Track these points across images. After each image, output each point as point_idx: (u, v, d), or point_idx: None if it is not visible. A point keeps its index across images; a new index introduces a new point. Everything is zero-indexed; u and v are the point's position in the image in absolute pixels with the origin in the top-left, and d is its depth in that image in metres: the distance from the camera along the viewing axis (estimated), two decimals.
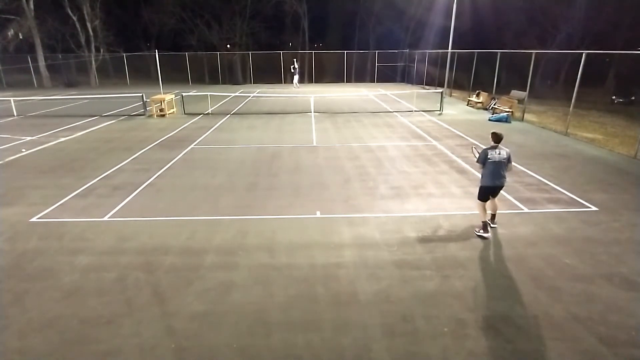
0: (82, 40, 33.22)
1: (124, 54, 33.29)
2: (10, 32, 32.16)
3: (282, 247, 5.72)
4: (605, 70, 25.33)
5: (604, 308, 4.36)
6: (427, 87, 27.24)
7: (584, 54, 12.16)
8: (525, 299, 4.53)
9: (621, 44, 24.59)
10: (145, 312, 4.36)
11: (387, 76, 33.40)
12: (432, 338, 3.95)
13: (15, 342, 3.97)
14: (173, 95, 18.56)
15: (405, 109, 18.34)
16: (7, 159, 10.37)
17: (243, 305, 4.47)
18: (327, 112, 17.51)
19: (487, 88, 19.38)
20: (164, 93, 19.00)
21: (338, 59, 33.76)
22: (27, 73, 31.58)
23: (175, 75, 32.13)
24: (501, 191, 7.67)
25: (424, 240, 5.90)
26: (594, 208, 6.94)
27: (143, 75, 33.89)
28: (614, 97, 21.66)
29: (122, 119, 16.34)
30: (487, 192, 5.99)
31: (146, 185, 8.29)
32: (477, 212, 6.17)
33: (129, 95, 20.45)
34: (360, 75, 34.76)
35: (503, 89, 19.54)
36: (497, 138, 5.93)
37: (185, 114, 17.25)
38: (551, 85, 25.82)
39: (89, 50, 33.73)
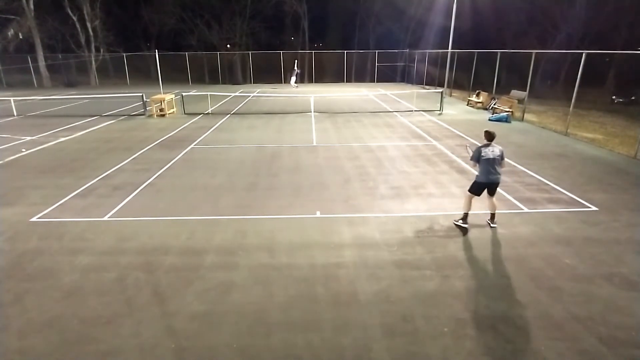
0: (82, 40, 33.23)
1: (124, 54, 33.29)
2: (10, 32, 32.17)
3: (282, 247, 5.72)
4: (605, 70, 25.32)
5: (604, 308, 4.36)
6: (427, 87, 27.25)
7: (584, 54, 12.16)
8: (525, 299, 4.52)
9: (621, 44, 24.59)
10: (145, 312, 4.36)
11: (387, 76, 33.40)
12: (432, 338, 3.95)
13: (15, 342, 3.97)
14: (173, 95, 18.56)
15: (405, 109, 18.34)
16: (7, 159, 10.37)
17: (243, 305, 4.47)
18: (327, 112, 17.51)
19: (487, 88, 19.38)
20: (164, 93, 18.99)
21: (338, 59, 33.77)
22: (27, 73, 31.58)
23: (175, 75, 32.14)
24: (501, 191, 7.70)
25: (424, 240, 5.90)
26: (594, 208, 6.94)
27: (143, 75, 33.90)
28: (614, 97, 21.66)
29: (122, 119, 16.34)
30: (481, 188, 6.10)
31: (146, 185, 8.29)
32: (464, 203, 6.27)
33: (129, 95, 20.46)
34: (360, 75, 34.77)
35: (503, 89, 19.54)
36: (489, 136, 6.09)
37: (185, 113, 17.25)
38: (551, 85, 25.81)
39: (89, 50, 33.74)
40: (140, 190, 8.02)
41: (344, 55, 33.57)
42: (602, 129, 14.20)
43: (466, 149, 6.66)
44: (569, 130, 12.88)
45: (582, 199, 7.34)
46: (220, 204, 7.33)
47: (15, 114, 17.12)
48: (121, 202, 7.38)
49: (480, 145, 6.11)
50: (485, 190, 6.14)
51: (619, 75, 24.22)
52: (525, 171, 8.98)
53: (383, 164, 9.66)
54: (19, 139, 12.58)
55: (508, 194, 7.60)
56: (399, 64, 33.99)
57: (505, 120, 15.15)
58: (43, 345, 3.90)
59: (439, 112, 17.29)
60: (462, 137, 12.39)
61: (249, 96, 23.33)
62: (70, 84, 31.54)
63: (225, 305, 4.49)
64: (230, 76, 34.67)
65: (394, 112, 17.41)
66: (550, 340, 3.90)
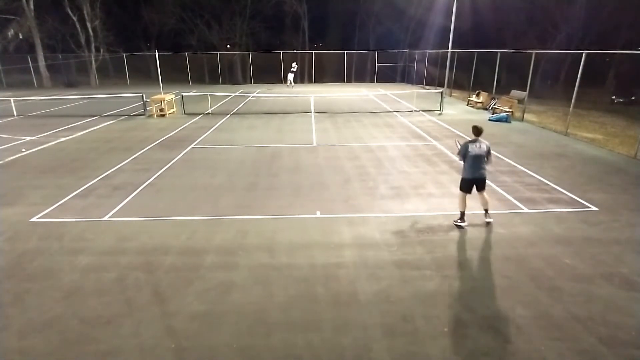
0: (82, 40, 33.23)
1: (124, 54, 33.30)
2: (10, 32, 32.17)
3: (282, 247, 5.72)
4: (605, 70, 25.33)
5: (604, 308, 4.36)
6: (427, 87, 27.25)
7: (584, 54, 12.16)
8: (525, 299, 4.52)
9: (621, 44, 24.60)
10: (145, 312, 4.36)
11: (387, 76, 33.40)
12: (432, 338, 3.95)
13: (15, 342, 3.97)
14: (173, 95, 18.56)
15: (405, 109, 18.34)
16: (7, 159, 10.37)
17: (243, 305, 4.47)
18: (327, 112, 17.51)
19: (487, 88, 19.38)
20: (164, 93, 19.00)
21: (338, 59, 33.77)
22: (27, 73, 31.58)
23: (175, 75, 32.14)
24: (501, 191, 7.70)
25: (424, 240, 5.90)
26: (594, 208, 6.94)
27: (143, 75, 33.90)
28: (614, 97, 21.67)
29: (122, 119, 16.34)
30: (469, 184, 6.17)
31: (146, 185, 8.29)
32: (458, 202, 6.33)
33: (129, 95, 20.46)
34: (360, 75, 34.77)
35: (503, 89, 19.54)
36: (477, 131, 6.15)
37: (185, 114, 17.25)
38: (551, 85, 25.82)
39: (89, 50, 33.74)
40: (140, 190, 8.02)
41: (344, 55, 33.57)
42: (602, 129, 14.20)
43: (455, 143, 6.73)
44: (569, 130, 12.88)
45: (582, 199, 7.34)
46: (220, 204, 7.33)
47: (15, 114, 17.13)
48: (121, 202, 7.38)
49: (467, 140, 6.16)
50: (475, 187, 6.18)
51: (619, 75, 24.23)
52: (525, 171, 8.98)
53: (383, 164, 9.66)
54: (19, 139, 12.58)
55: (508, 194, 7.60)
56: (399, 64, 33.99)
57: (505, 120, 15.15)
58: (43, 345, 3.90)
59: (439, 112, 17.29)
60: (462, 137, 12.39)
61: (249, 96, 23.33)
62: (70, 84, 31.54)
63: (225, 305, 4.49)
64: (230, 76, 34.67)
65: (394, 112, 17.42)
66: (550, 340, 3.90)
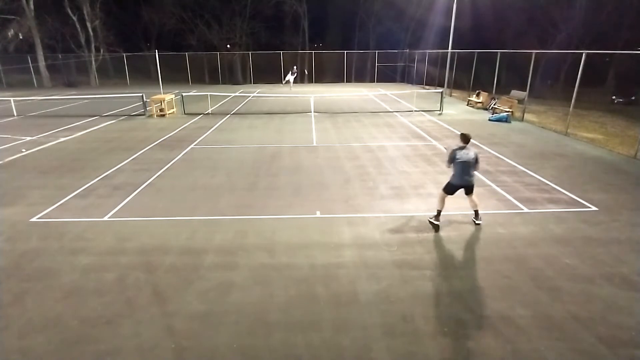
0: (82, 40, 33.23)
1: (124, 54, 33.30)
2: (10, 32, 32.17)
3: (282, 247, 5.72)
4: (605, 70, 25.32)
5: (604, 308, 4.36)
6: (427, 87, 27.25)
7: (584, 54, 12.16)
8: (525, 299, 4.53)
9: (621, 44, 24.58)
10: (145, 312, 4.36)
11: (387, 76, 33.40)
12: (432, 338, 3.95)
13: (15, 342, 3.97)
14: (173, 95, 18.55)
15: (405, 109, 18.33)
16: (7, 159, 10.37)
17: (243, 305, 4.47)
18: (327, 112, 17.51)
19: (487, 88, 19.38)
20: (164, 93, 19.00)
21: (338, 59, 33.76)
22: (27, 73, 31.57)
23: (175, 75, 32.13)
24: (501, 191, 7.71)
25: (424, 240, 5.90)
26: (593, 208, 6.94)
27: (143, 75, 33.89)
28: (614, 97, 21.67)
29: (122, 119, 16.34)
30: (454, 189, 6.19)
31: (146, 186, 8.29)
32: (437, 200, 6.34)
33: (129, 95, 20.46)
34: (360, 75, 34.76)
35: (503, 89, 19.54)
36: (465, 139, 6.20)
37: (185, 114, 17.25)
38: (551, 85, 25.82)
39: (89, 50, 33.74)
40: (140, 190, 8.02)
41: (344, 55, 33.57)
42: (602, 129, 14.20)
43: (447, 151, 6.71)
44: (569, 130, 12.88)
45: (582, 199, 7.34)
46: (220, 204, 7.33)
47: (15, 114, 17.13)
48: (121, 202, 7.38)
49: (454, 147, 6.18)
50: (463, 191, 6.21)
51: (619, 75, 24.22)
52: (525, 171, 8.98)
53: (383, 164, 9.66)
54: (19, 139, 12.58)
55: (508, 194, 7.60)
56: (399, 64, 33.99)
57: (505, 120, 15.15)
58: (43, 345, 3.90)
59: (439, 112, 17.29)
60: None
61: (249, 96, 23.33)
62: (70, 84, 31.55)
63: (225, 305, 4.49)
64: (230, 76, 34.67)
65: (394, 112, 17.41)
66: (550, 340, 3.90)
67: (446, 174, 8.78)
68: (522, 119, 15.40)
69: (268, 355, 3.77)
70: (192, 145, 11.66)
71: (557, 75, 26.03)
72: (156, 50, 20.72)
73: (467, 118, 16.18)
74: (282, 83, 28.68)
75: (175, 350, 3.84)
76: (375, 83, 33.36)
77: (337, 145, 11.54)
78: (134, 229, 6.29)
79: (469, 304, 4.44)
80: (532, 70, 14.99)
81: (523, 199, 7.36)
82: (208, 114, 17.41)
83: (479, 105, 18.59)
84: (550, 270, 5.08)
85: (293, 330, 4.08)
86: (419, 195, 7.62)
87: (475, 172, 6.22)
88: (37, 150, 11.30)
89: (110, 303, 4.52)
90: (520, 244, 5.74)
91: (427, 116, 16.38)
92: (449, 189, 6.21)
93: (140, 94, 17.63)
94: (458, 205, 7.12)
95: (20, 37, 32.41)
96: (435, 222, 6.23)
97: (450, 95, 22.83)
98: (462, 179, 6.06)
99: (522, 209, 6.91)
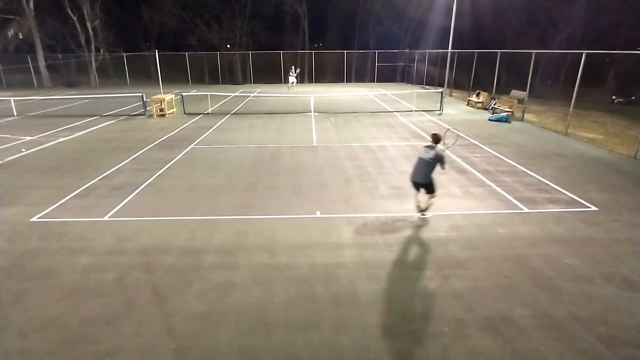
0: (82, 40, 33.24)
1: (124, 54, 33.31)
2: (10, 32, 32.16)
3: (282, 247, 5.72)
4: (605, 70, 25.32)
5: (604, 308, 4.36)
6: (427, 87, 27.25)
7: (584, 54, 12.16)
8: (525, 299, 4.53)
9: (621, 44, 24.58)
10: (145, 312, 4.36)
11: (387, 76, 33.40)
12: (432, 338, 3.95)
13: (15, 342, 3.97)
14: (173, 95, 18.56)
15: (405, 109, 18.33)
16: (7, 159, 10.37)
17: (243, 305, 4.47)
18: (327, 112, 17.51)
19: (487, 88, 19.38)
20: (164, 93, 19.00)
21: (338, 59, 33.77)
22: (27, 73, 31.58)
23: (175, 75, 32.14)
24: (501, 191, 7.71)
25: (424, 240, 5.90)
26: (593, 208, 6.94)
27: (143, 75, 33.89)
28: (614, 97, 21.67)
29: (122, 119, 16.34)
30: (413, 184, 6.39)
31: (146, 185, 8.28)
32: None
33: (129, 95, 20.46)
34: (360, 75, 34.76)
35: (503, 89, 19.54)
36: (434, 139, 6.30)
37: (185, 114, 17.25)
38: (551, 85, 25.82)
39: (89, 50, 33.75)
40: (140, 190, 8.02)
41: (344, 55, 33.57)
42: (602, 129, 14.20)
43: (447, 137, 6.91)
44: (569, 130, 12.88)
45: (582, 199, 7.34)
46: (220, 204, 7.33)
47: (15, 114, 17.13)
48: (121, 202, 7.38)
49: (425, 144, 6.33)
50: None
51: (619, 75, 24.21)
52: (525, 171, 8.98)
53: (383, 164, 9.66)
54: (19, 139, 12.58)
55: (508, 194, 7.60)
56: (399, 64, 33.99)
57: (505, 120, 15.15)
58: (43, 345, 3.90)
59: (439, 112, 17.29)
60: (463, 137, 12.39)
61: (249, 96, 23.33)
62: (70, 84, 31.55)
63: (225, 305, 4.49)
64: (230, 76, 34.67)
65: (394, 112, 17.42)
66: (550, 340, 3.90)
67: (446, 174, 8.81)
68: (522, 119, 15.40)
69: (268, 355, 3.77)
70: (192, 145, 11.66)
71: (557, 75, 26.02)
72: (156, 50, 20.73)
73: (467, 118, 16.18)
74: (287, 86, 28.64)
75: (175, 350, 3.84)
76: (375, 83, 33.36)
77: (337, 145, 11.54)
78: (134, 229, 6.29)
79: (469, 304, 4.44)
80: (532, 70, 14.99)
81: (523, 199, 7.36)
82: (208, 114, 17.41)
83: (479, 105, 18.59)
84: (550, 270, 5.08)
85: (293, 330, 4.08)
86: None
87: (445, 170, 6.39)
88: (37, 150, 11.30)
89: (110, 303, 4.52)
90: (520, 244, 5.74)
91: (427, 116, 16.38)
92: (412, 184, 6.43)
93: (140, 94, 17.63)
94: (458, 205, 7.13)
95: (20, 37, 32.41)
96: (423, 215, 6.47)
97: (450, 95, 22.83)
98: (413, 175, 6.28)
99: (522, 209, 6.91)
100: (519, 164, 9.54)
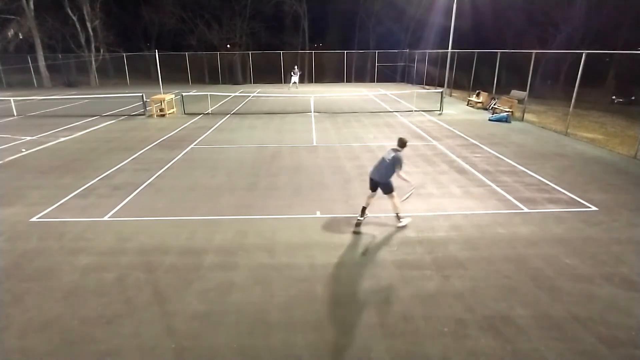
0: (82, 40, 33.22)
1: (124, 54, 33.30)
2: (10, 32, 32.16)
3: (282, 247, 5.72)
4: (605, 70, 25.31)
5: (604, 308, 4.36)
6: (427, 87, 27.25)
7: (584, 54, 12.16)
8: (525, 299, 4.53)
9: (621, 44, 24.58)
10: (145, 312, 4.36)
11: (387, 76, 33.40)
12: (432, 338, 3.95)
13: (15, 342, 3.97)
14: (173, 95, 18.56)
15: (405, 109, 18.34)
16: (7, 159, 10.37)
17: (243, 305, 4.47)
18: (327, 112, 17.51)
19: (487, 88, 19.38)
20: (164, 93, 19.00)
21: (338, 59, 33.77)
22: (27, 73, 31.58)
23: (175, 75, 32.14)
24: (501, 191, 7.71)
25: (424, 240, 5.90)
26: (593, 208, 6.94)
27: (143, 75, 33.90)
28: (614, 97, 21.67)
29: (122, 119, 16.34)
30: (370, 183, 6.37)
31: (146, 185, 8.28)
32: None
33: (129, 95, 20.46)
34: (360, 75, 34.76)
35: (503, 89, 19.54)
36: (399, 143, 6.30)
37: (185, 114, 17.25)
38: (551, 85, 25.81)
39: (89, 50, 33.74)
40: (141, 190, 8.02)
41: (344, 55, 33.57)
42: (602, 129, 14.21)
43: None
44: (569, 130, 12.88)
45: (582, 199, 7.34)
46: (220, 204, 7.33)
47: (15, 114, 17.13)
48: (121, 202, 7.38)
49: (393, 147, 6.30)
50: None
51: (619, 75, 24.21)
52: (525, 171, 8.98)
53: None
54: (19, 139, 12.58)
55: (508, 194, 7.60)
56: (399, 64, 33.99)
57: (505, 120, 15.15)
58: (43, 345, 3.90)
59: (439, 112, 17.29)
60: (462, 137, 12.40)
61: (249, 96, 23.33)
62: (70, 84, 31.55)
63: (225, 305, 4.49)
64: (230, 76, 34.67)
65: (394, 112, 17.42)
66: (550, 340, 3.90)
67: (446, 174, 8.82)
68: (522, 119, 15.40)
69: (268, 355, 3.77)
70: (192, 145, 11.66)
71: (557, 75, 26.01)
72: (156, 50, 20.72)
73: (467, 118, 16.18)
74: (289, 86, 28.66)
75: (175, 350, 3.84)
76: (375, 83, 33.36)
77: (337, 145, 11.54)
78: (134, 229, 6.29)
79: (469, 304, 4.44)
80: (532, 70, 14.99)
81: (523, 199, 7.36)
82: (208, 114, 17.41)
83: (479, 105, 18.59)
84: (550, 270, 5.08)
85: (293, 330, 4.08)
86: (419, 195, 7.61)
87: (401, 175, 6.19)
88: (37, 150, 11.30)
89: (110, 303, 4.52)
90: (520, 244, 5.74)
91: (427, 116, 16.38)
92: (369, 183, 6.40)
93: (140, 94, 17.63)
94: (458, 205, 7.13)
95: (20, 37, 32.40)
96: (359, 219, 6.35)
97: (450, 95, 22.83)
98: (372, 173, 6.31)
99: (522, 209, 6.91)
100: (519, 164, 9.54)
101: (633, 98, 20.84)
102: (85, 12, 32.32)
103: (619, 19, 24.73)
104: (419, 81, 29.87)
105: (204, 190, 8.00)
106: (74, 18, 32.01)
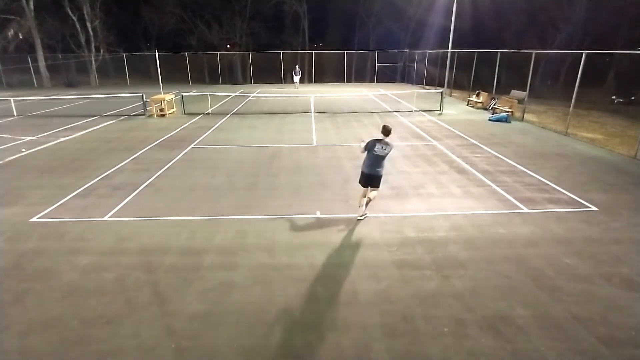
0: (82, 40, 33.23)
1: (124, 54, 33.30)
2: (10, 32, 32.16)
3: (282, 247, 5.72)
4: (605, 70, 25.30)
5: (604, 308, 4.36)
6: (427, 87, 27.25)
7: (584, 54, 12.16)
8: (525, 299, 4.52)
9: (621, 44, 24.57)
10: (145, 312, 4.36)
11: (387, 76, 33.41)
12: (432, 338, 3.95)
13: (15, 342, 3.97)
14: (173, 95, 18.56)
15: (405, 109, 18.34)
16: (7, 159, 10.37)
17: (243, 305, 4.47)
18: (327, 112, 17.51)
19: (487, 88, 19.38)
20: (164, 93, 19.00)
21: (338, 59, 33.77)
22: (27, 73, 31.58)
23: (175, 75, 32.14)
24: (501, 191, 7.71)
25: (424, 240, 5.90)
26: (594, 208, 6.94)
27: (143, 75, 33.89)
28: (614, 97, 21.64)
29: (122, 119, 16.34)
30: (366, 178, 6.35)
31: (146, 185, 8.28)
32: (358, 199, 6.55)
33: (129, 95, 20.45)
34: (360, 75, 34.77)
35: (503, 89, 19.53)
36: (385, 131, 6.23)
37: (185, 114, 17.25)
38: (551, 85, 25.81)
39: (89, 50, 33.74)
40: (141, 190, 8.02)
41: (344, 55, 33.57)
42: (602, 129, 14.20)
43: (360, 141, 6.72)
44: (569, 130, 12.88)
45: (582, 199, 7.34)
46: (220, 204, 7.32)
47: (15, 114, 17.12)
48: (121, 202, 7.38)
49: (375, 138, 6.23)
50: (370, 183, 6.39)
51: (619, 75, 24.19)
52: (525, 171, 8.98)
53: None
54: (19, 139, 12.58)
55: (508, 194, 7.60)
56: (399, 64, 34.00)
57: (505, 120, 15.15)
58: (43, 345, 3.90)
59: (439, 112, 17.29)
60: (462, 137, 12.40)
61: (249, 96, 23.33)
62: (70, 84, 31.55)
63: (225, 305, 4.49)
64: (230, 76, 34.68)
65: (394, 112, 17.42)
66: (550, 340, 3.90)
67: (446, 174, 8.82)
68: (522, 119, 15.40)
69: (268, 355, 3.77)
70: (192, 145, 11.66)
71: (557, 75, 26.01)
72: (156, 50, 20.71)
73: (467, 118, 16.18)
74: (297, 86, 28.74)
75: (175, 350, 3.84)
76: (375, 83, 33.37)
77: (337, 145, 11.54)
78: (134, 229, 6.29)
79: (469, 304, 4.44)
80: (532, 70, 14.99)
81: (523, 199, 7.36)
82: (208, 114, 17.41)
83: (479, 105, 18.59)
84: (551, 270, 5.08)
85: (293, 330, 4.08)
86: (419, 195, 7.62)
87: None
88: (37, 150, 11.29)
89: (110, 303, 4.52)
90: (520, 244, 5.74)
91: (427, 116, 16.38)
92: (362, 180, 6.41)
93: (140, 94, 17.63)
94: (458, 205, 7.13)
95: (20, 37, 32.41)
96: (361, 218, 6.48)
97: (450, 95, 22.83)
98: (372, 169, 6.26)
99: (522, 209, 6.91)
100: (519, 164, 9.54)
101: (633, 98, 20.81)
102: (85, 12, 32.33)
103: (619, 19, 24.73)
104: (419, 81, 29.88)
105: (204, 190, 8.00)
106: (74, 18, 32.02)
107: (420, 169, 9.21)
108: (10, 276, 5.08)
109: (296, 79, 28.57)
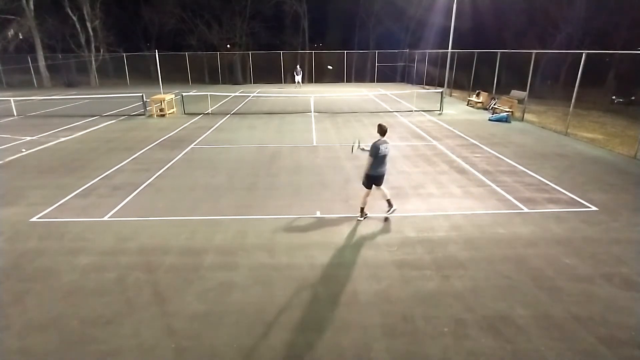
0: (82, 40, 33.23)
1: (124, 54, 33.29)
2: (10, 32, 32.16)
3: (282, 247, 5.72)
4: (605, 70, 25.29)
5: (604, 308, 4.36)
6: (427, 87, 27.25)
7: (584, 54, 12.16)
8: (525, 299, 4.52)
9: (621, 44, 24.56)
10: (145, 312, 4.36)
11: (387, 76, 33.40)
12: (432, 338, 3.95)
13: (15, 342, 3.97)
14: (173, 95, 18.56)
15: (405, 108, 18.34)
16: (7, 159, 10.37)
17: (243, 305, 4.47)
18: (327, 112, 17.51)
19: (487, 88, 19.37)
20: (164, 93, 19.00)
21: (338, 59, 33.75)
22: (27, 73, 31.58)
23: (175, 75, 32.14)
24: (501, 191, 7.71)
25: (424, 240, 5.90)
26: (594, 208, 6.94)
27: (143, 75, 33.88)
28: (614, 97, 21.65)
29: (122, 119, 16.34)
30: (373, 181, 6.39)
31: (146, 185, 8.28)
32: (361, 199, 6.55)
33: (129, 95, 20.45)
34: (360, 75, 34.77)
35: (503, 89, 19.53)
36: (382, 130, 6.27)
37: (185, 114, 17.25)
38: (551, 85, 25.81)
39: (89, 50, 33.74)
40: (141, 190, 8.02)
41: (344, 55, 33.57)
42: (602, 129, 14.20)
43: (354, 143, 6.81)
44: (569, 130, 12.88)
45: (582, 199, 7.34)
46: (220, 204, 7.32)
47: (15, 114, 17.12)
48: (121, 202, 7.38)
49: (376, 141, 6.22)
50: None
51: (619, 75, 24.18)
52: (525, 171, 8.98)
53: None
54: (19, 139, 12.58)
55: (508, 194, 7.60)
56: (399, 64, 34.00)
57: (505, 120, 15.15)
58: (43, 345, 3.90)
59: (439, 112, 17.29)
60: (462, 137, 12.40)
61: (249, 96, 23.33)
62: (70, 84, 31.55)
63: (225, 305, 4.49)
64: (230, 76, 34.68)
65: (394, 112, 17.42)
66: (550, 340, 3.90)
67: (446, 174, 8.82)
68: (522, 119, 15.40)
69: (268, 355, 3.77)
70: (192, 145, 11.66)
71: (557, 75, 26.01)
72: (156, 50, 20.72)
73: (467, 118, 16.18)
74: (299, 85, 28.84)
75: (175, 350, 3.84)
76: (375, 83, 33.37)
77: (337, 145, 11.54)
78: (134, 229, 6.29)
79: (469, 304, 4.44)
80: (532, 70, 14.99)
81: (523, 199, 7.36)
82: (208, 114, 17.41)
83: (479, 105, 18.59)
84: (550, 270, 5.08)
85: (293, 330, 4.08)
86: (419, 195, 7.62)
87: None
88: (37, 150, 11.29)
89: (110, 303, 4.52)
90: (520, 244, 5.74)
91: (427, 116, 16.38)
92: (369, 183, 6.40)
93: (140, 94, 17.63)
94: (458, 205, 7.13)
95: (20, 37, 32.40)
96: (361, 219, 6.52)
97: (450, 95, 22.83)
98: (379, 170, 6.32)
99: (522, 209, 6.91)
100: (519, 164, 9.54)
101: (633, 98, 20.82)
102: (85, 12, 32.33)
103: (619, 19, 24.72)
104: (419, 81, 29.88)
105: (204, 190, 8.00)
106: (74, 18, 32.02)
107: (420, 169, 9.21)
108: (11, 276, 5.08)
109: (298, 78, 28.63)
